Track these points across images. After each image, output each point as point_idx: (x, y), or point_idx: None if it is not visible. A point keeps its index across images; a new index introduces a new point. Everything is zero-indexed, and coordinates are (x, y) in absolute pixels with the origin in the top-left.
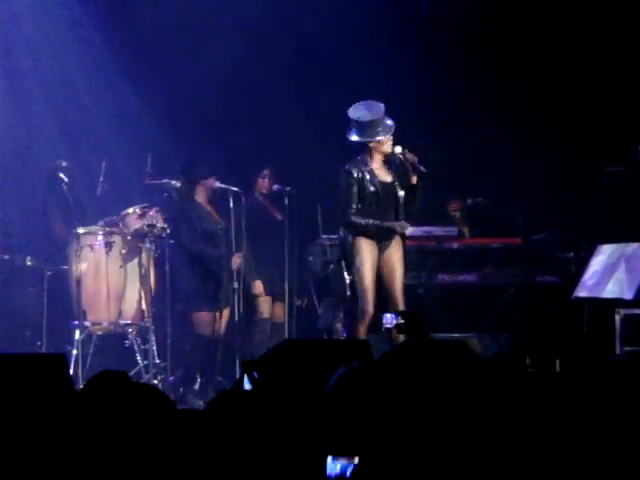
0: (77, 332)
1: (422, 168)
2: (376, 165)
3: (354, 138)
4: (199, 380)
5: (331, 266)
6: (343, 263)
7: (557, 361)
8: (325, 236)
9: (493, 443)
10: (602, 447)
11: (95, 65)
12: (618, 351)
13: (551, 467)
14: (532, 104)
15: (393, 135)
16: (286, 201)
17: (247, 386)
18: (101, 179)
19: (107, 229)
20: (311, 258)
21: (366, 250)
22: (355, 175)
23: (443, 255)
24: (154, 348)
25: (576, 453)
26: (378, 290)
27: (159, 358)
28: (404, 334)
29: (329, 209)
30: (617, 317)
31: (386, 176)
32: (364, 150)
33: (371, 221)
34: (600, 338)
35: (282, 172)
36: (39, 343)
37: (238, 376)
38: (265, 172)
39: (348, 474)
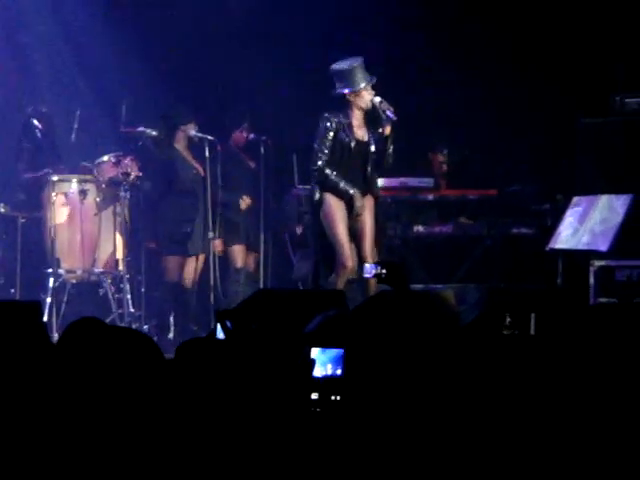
0: (51, 280)
1: (394, 117)
2: (355, 122)
3: (336, 91)
4: (173, 329)
5: (306, 216)
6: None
7: (532, 321)
8: (301, 186)
9: (465, 397)
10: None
11: (70, 11)
12: (592, 303)
13: (526, 425)
14: (510, 54)
15: (374, 89)
16: (262, 150)
17: (220, 335)
18: (75, 126)
19: (82, 177)
20: (287, 208)
21: (336, 206)
22: (333, 125)
23: (419, 206)
24: (128, 297)
25: (549, 409)
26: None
27: (133, 307)
28: (384, 284)
29: (305, 159)
30: (592, 269)
31: (362, 134)
32: (345, 105)
33: (342, 183)
34: (575, 290)
35: (258, 121)
36: (12, 290)
37: (212, 326)
38: (244, 126)
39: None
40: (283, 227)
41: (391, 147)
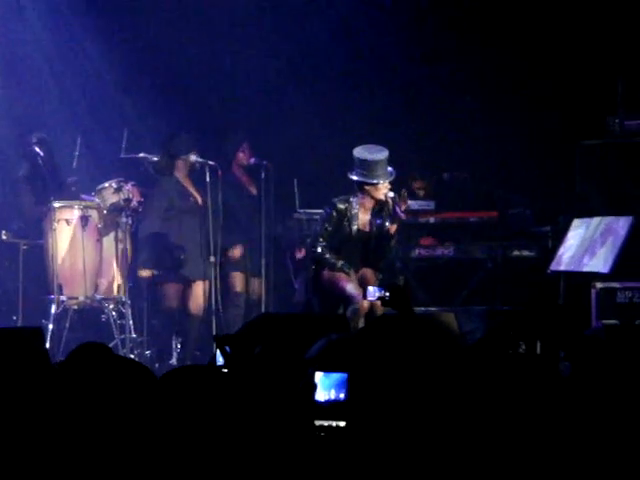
0: (53, 306)
1: (403, 216)
2: (362, 209)
3: (354, 177)
4: (175, 354)
5: (308, 240)
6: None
7: (538, 342)
8: (302, 210)
9: (468, 415)
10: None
11: (72, 38)
12: (594, 325)
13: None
14: (508, 77)
15: (391, 184)
16: (263, 175)
17: (220, 361)
18: (76, 153)
19: (83, 203)
20: (288, 232)
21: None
22: (338, 214)
23: (420, 229)
24: (130, 322)
25: (554, 426)
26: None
27: (135, 332)
28: (388, 307)
29: (306, 183)
30: (593, 291)
31: (365, 223)
32: (359, 191)
33: (340, 263)
34: (576, 311)
35: (258, 145)
36: (15, 317)
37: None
38: (244, 145)
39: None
40: (284, 252)
41: (394, 243)
